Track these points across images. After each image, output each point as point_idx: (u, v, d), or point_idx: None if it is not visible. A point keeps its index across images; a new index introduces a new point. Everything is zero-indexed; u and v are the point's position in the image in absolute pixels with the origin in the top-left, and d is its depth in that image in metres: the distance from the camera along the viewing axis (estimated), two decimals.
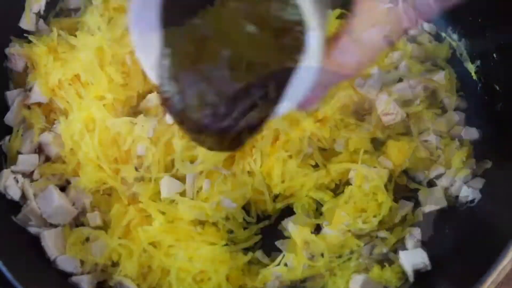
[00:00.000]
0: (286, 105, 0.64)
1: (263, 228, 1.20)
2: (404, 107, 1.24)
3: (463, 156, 1.20)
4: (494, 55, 1.19)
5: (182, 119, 0.65)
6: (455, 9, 1.24)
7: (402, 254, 1.15)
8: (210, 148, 0.74)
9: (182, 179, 1.18)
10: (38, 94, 1.18)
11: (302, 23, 0.57)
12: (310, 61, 0.58)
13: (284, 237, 1.20)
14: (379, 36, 0.60)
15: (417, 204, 1.22)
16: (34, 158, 1.17)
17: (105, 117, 1.16)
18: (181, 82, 0.63)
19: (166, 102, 0.65)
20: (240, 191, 1.17)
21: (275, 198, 1.21)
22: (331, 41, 0.60)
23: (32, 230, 1.11)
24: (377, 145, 1.24)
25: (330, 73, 0.61)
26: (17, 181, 1.13)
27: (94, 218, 1.15)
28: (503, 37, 1.17)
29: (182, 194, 1.18)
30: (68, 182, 1.18)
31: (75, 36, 1.22)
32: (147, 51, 0.66)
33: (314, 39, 0.56)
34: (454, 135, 1.25)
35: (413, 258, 1.14)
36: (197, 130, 0.65)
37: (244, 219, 1.20)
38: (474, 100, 1.26)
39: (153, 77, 0.67)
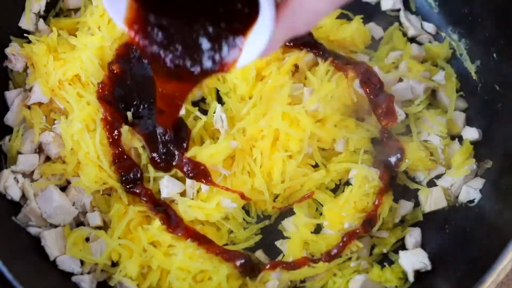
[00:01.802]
0: (246, 57, 0.75)
1: (263, 228, 1.20)
2: (404, 107, 1.24)
3: (463, 156, 1.20)
4: (494, 55, 1.19)
5: (153, 62, 0.78)
6: (455, 9, 1.25)
7: (402, 254, 1.15)
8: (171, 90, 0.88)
9: (182, 179, 1.18)
10: (38, 94, 1.18)
11: None
12: (264, 22, 0.68)
13: (284, 237, 1.20)
14: (323, 2, 0.68)
15: (417, 204, 1.22)
16: (34, 158, 1.17)
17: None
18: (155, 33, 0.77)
19: (142, 48, 0.78)
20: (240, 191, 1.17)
21: (275, 198, 1.21)
22: (281, 5, 0.68)
23: (32, 230, 1.11)
24: (377, 145, 1.24)
25: (283, 32, 0.71)
26: (17, 181, 1.13)
27: (94, 218, 1.15)
28: (503, 37, 1.17)
29: (182, 194, 1.18)
30: (68, 182, 1.18)
31: (75, 36, 1.23)
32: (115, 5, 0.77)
33: (266, 5, 0.66)
34: (454, 135, 1.25)
35: (413, 258, 1.14)
36: (166, 72, 0.79)
37: (244, 219, 1.20)
38: (474, 100, 1.26)
39: (121, 26, 0.78)
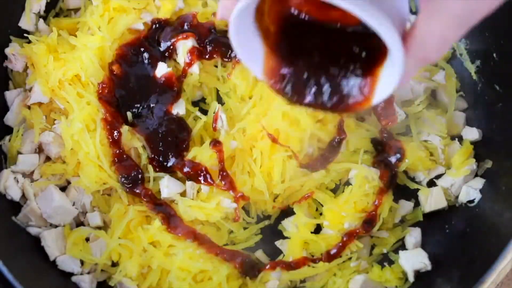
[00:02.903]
0: (381, 93, 0.78)
1: (263, 228, 1.20)
2: (404, 107, 1.24)
3: (463, 156, 1.20)
4: (494, 55, 1.19)
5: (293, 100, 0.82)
6: None
7: (402, 254, 1.15)
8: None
9: (182, 179, 1.18)
10: (39, 94, 1.18)
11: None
12: (394, 59, 0.68)
13: (284, 237, 1.20)
14: (450, 29, 0.67)
15: (417, 204, 1.22)
16: (34, 158, 1.17)
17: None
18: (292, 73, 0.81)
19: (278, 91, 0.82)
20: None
21: (275, 198, 1.21)
22: (407, 37, 0.67)
23: (32, 230, 1.11)
24: (377, 145, 1.24)
25: (414, 63, 0.69)
26: (17, 181, 1.13)
27: (94, 218, 1.15)
28: (503, 37, 1.17)
29: (182, 194, 1.18)
30: (68, 182, 1.18)
31: (75, 36, 1.22)
32: (250, 54, 0.80)
33: (393, 42, 0.66)
34: (454, 135, 1.25)
35: (413, 258, 1.14)
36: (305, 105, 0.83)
37: (244, 219, 1.20)
38: (474, 100, 1.26)
39: (258, 74, 0.82)
